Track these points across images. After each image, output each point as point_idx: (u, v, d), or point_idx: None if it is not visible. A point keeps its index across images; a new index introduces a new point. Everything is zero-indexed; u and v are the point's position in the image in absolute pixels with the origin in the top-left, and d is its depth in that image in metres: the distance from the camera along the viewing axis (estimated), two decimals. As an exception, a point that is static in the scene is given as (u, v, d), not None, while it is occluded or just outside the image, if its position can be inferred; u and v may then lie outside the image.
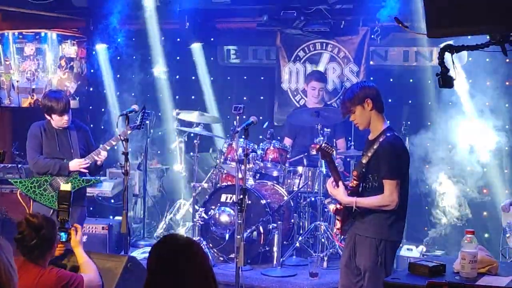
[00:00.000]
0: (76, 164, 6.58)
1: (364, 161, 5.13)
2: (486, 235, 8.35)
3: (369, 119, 5.16)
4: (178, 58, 10.52)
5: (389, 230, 5.06)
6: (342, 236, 5.61)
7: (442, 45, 3.64)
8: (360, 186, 5.13)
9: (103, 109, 10.77)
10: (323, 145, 5.16)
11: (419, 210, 8.74)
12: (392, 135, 5.10)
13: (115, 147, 6.86)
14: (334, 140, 8.58)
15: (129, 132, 6.46)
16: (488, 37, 3.47)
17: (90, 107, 10.75)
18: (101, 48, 10.39)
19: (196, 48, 10.28)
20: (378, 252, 5.04)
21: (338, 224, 5.29)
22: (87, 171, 6.75)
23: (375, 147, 5.07)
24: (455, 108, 8.63)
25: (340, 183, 5.16)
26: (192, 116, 8.95)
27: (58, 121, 6.52)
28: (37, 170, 6.57)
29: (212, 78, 10.46)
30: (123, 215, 6.26)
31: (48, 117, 6.58)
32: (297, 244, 8.03)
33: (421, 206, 8.84)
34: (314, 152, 8.30)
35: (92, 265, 4.85)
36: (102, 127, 10.39)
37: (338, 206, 5.21)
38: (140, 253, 8.26)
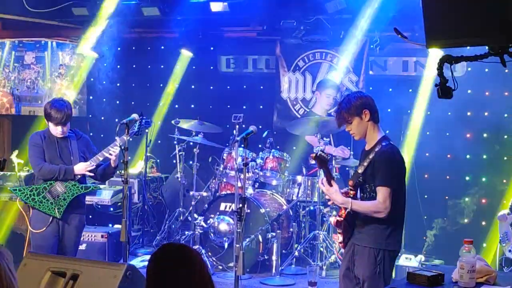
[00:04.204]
0: (82, 167, 6.50)
1: (360, 171, 5.12)
2: (484, 245, 8.36)
3: (366, 129, 5.15)
4: (177, 67, 10.54)
5: (387, 239, 5.04)
6: (342, 250, 5.58)
7: (441, 56, 3.65)
8: (358, 196, 5.13)
9: (102, 118, 10.79)
10: (319, 153, 5.13)
11: (418, 219, 8.77)
12: (387, 144, 5.09)
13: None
14: (334, 149, 8.60)
15: (126, 138, 6.43)
16: (487, 48, 3.49)
17: (90, 116, 10.77)
18: (100, 57, 10.41)
19: (195, 57, 10.31)
20: (376, 262, 5.02)
21: (340, 238, 5.26)
22: (92, 174, 6.68)
23: (370, 157, 5.07)
24: (453, 118, 8.69)
25: (333, 182, 5.14)
26: (191, 125, 8.97)
27: (53, 130, 6.47)
28: (43, 176, 6.50)
29: (211, 87, 10.50)
30: (122, 224, 6.24)
31: (47, 123, 6.55)
32: (296, 253, 8.05)
33: (419, 215, 8.87)
34: (313, 162, 8.34)
35: None
36: (102, 135, 10.41)
37: (339, 218, 5.19)
38: (139, 262, 8.27)
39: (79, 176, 6.55)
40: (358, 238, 5.14)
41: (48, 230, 6.41)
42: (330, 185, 5.11)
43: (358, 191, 5.16)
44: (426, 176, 9.03)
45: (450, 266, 4.95)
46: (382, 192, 4.95)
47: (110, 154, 6.50)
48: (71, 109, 6.53)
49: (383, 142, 5.09)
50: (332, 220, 5.33)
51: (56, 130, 6.45)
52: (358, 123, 5.12)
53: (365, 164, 5.08)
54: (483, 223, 8.64)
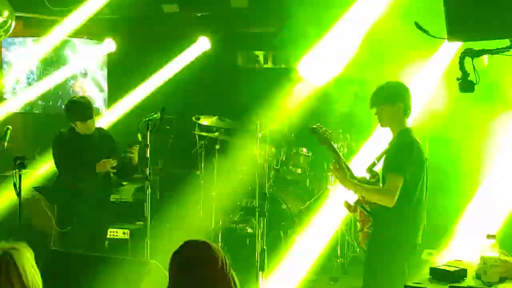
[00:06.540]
0: (104, 164, 6.53)
1: (377, 160, 5.13)
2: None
3: (392, 119, 5.12)
4: (196, 63, 10.53)
5: (404, 233, 5.02)
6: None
7: (462, 49, 3.63)
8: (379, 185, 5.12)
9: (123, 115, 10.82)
10: (315, 126, 5.06)
11: (439, 214, 8.73)
12: (406, 136, 5.08)
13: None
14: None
15: (147, 134, 6.42)
16: (509, 41, 3.46)
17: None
18: (120, 54, 10.44)
19: (216, 52, 10.31)
20: (395, 255, 5.02)
21: (359, 226, 5.25)
22: (115, 170, 6.71)
23: (388, 147, 5.09)
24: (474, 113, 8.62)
25: (342, 163, 5.11)
26: (212, 121, 8.98)
27: (82, 128, 6.50)
28: (68, 177, 6.56)
29: (232, 83, 10.49)
30: (144, 220, 6.26)
31: (72, 124, 6.56)
32: (318, 249, 8.04)
33: (440, 210, 8.82)
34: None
35: None
36: (123, 132, 10.44)
37: (349, 202, 5.17)
38: (161, 258, 8.26)
39: (102, 174, 6.56)
40: (377, 231, 5.13)
41: (74, 229, 6.41)
42: (339, 165, 5.08)
43: (381, 184, 5.14)
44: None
45: (473, 261, 4.92)
46: (389, 179, 4.91)
47: (132, 153, 6.51)
48: (91, 103, 6.58)
49: (403, 133, 5.08)
50: (345, 202, 5.26)
51: (87, 126, 6.50)
52: (390, 111, 5.08)
53: (382, 153, 5.10)
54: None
